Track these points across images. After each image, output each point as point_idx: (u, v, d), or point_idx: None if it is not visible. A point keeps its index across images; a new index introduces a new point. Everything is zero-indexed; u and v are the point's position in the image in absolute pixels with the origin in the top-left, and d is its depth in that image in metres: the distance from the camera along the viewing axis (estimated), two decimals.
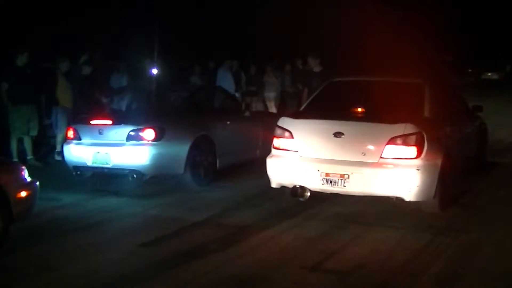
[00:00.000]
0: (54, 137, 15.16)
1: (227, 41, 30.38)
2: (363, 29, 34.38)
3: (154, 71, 15.51)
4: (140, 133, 11.12)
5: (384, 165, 8.92)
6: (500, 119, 22.59)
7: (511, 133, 19.37)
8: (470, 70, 65.40)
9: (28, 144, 14.15)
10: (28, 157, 14.01)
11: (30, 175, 8.33)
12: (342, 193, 9.31)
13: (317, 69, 14.40)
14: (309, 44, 15.38)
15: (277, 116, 10.90)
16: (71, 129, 11.95)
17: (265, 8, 33.21)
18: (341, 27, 34.65)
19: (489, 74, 67.78)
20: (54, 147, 14.85)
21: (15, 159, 12.94)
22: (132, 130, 11.17)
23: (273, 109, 21.95)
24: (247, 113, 13.58)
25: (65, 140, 12.32)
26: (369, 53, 30.18)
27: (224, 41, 30.34)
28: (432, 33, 45.54)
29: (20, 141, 14.15)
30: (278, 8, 33.70)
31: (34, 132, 14.20)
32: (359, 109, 9.97)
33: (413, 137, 8.85)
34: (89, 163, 11.42)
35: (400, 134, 8.87)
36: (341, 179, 9.02)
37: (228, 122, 12.89)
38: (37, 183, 8.42)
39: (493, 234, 8.62)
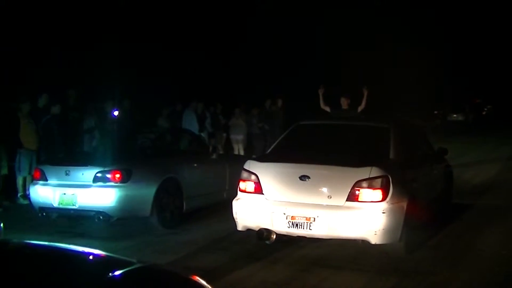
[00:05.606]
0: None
1: (197, 83, 30.47)
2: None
3: (116, 112, 15.46)
4: (107, 175, 11.07)
5: (350, 208, 8.94)
6: (465, 160, 22.87)
7: (477, 175, 19.59)
8: (435, 112, 66.24)
9: None
10: None
11: None
12: (308, 236, 9.30)
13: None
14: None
15: (244, 159, 10.91)
16: (37, 169, 11.85)
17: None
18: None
19: (455, 115, 68.63)
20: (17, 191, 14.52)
21: None
22: (99, 172, 11.11)
23: (241, 151, 21.99)
24: (214, 156, 13.57)
25: (32, 180, 12.22)
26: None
27: (194, 83, 30.42)
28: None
29: None
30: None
31: (5, 171, 13.91)
32: (325, 152, 10.02)
33: (379, 180, 8.89)
34: (55, 204, 11.32)
35: (366, 177, 8.91)
36: (307, 222, 9.02)
37: (195, 165, 12.89)
38: (1, 225, 8.31)
39: (459, 276, 8.68)
